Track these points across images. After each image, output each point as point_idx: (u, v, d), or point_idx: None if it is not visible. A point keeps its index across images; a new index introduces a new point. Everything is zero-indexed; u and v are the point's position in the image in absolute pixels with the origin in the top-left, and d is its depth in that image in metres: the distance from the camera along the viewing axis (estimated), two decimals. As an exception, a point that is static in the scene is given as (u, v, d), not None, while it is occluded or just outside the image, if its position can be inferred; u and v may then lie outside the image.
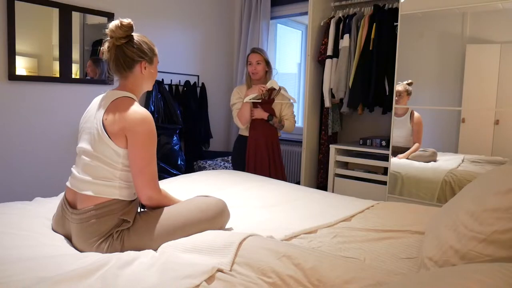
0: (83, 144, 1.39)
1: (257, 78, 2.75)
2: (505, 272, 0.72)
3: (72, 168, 1.44)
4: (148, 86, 1.54)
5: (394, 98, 2.67)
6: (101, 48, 1.44)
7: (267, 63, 2.77)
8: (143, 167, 1.35)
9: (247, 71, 2.80)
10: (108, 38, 1.41)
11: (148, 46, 1.47)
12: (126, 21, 1.39)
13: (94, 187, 1.32)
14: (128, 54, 1.42)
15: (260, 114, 2.74)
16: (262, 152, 2.77)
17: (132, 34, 1.43)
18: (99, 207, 1.31)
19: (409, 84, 2.62)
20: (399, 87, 2.64)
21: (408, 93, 2.64)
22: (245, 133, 2.82)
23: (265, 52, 2.80)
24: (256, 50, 2.75)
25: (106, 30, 1.41)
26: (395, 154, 2.72)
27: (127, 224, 1.33)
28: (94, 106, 1.44)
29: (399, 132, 2.71)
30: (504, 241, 0.93)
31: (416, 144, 2.65)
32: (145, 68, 1.46)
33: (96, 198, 1.32)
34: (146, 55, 1.46)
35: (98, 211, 1.30)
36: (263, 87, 2.66)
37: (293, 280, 1.04)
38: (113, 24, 1.38)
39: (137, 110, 1.35)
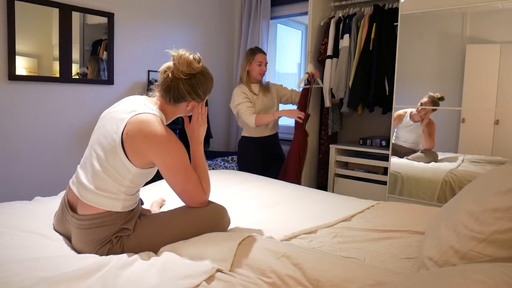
0: (98, 147, 1.32)
1: (260, 78, 2.77)
2: (505, 272, 0.72)
3: (78, 168, 1.38)
4: (184, 114, 1.49)
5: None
6: (160, 68, 1.38)
7: None
8: (183, 185, 1.34)
9: (247, 70, 2.75)
10: (172, 63, 1.35)
11: (205, 89, 1.40)
12: (197, 64, 1.34)
13: (97, 199, 1.28)
14: (181, 90, 1.35)
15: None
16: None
17: (195, 73, 1.35)
18: (100, 217, 1.28)
19: (440, 98, 2.54)
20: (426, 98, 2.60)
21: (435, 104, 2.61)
22: (252, 134, 2.80)
23: None
24: (263, 51, 2.77)
25: (174, 53, 1.34)
26: (400, 155, 2.72)
27: (127, 231, 1.31)
28: (123, 108, 1.36)
29: (409, 135, 2.71)
30: (504, 241, 0.93)
31: (431, 145, 2.64)
32: (192, 106, 1.42)
33: (97, 207, 1.29)
34: (199, 97, 1.40)
35: (99, 220, 1.28)
36: (302, 115, 2.67)
37: (293, 280, 1.04)
38: (184, 56, 1.32)
39: (161, 134, 1.27)
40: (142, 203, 1.67)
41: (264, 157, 2.84)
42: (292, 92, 2.92)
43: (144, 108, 1.33)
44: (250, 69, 2.74)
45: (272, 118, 2.67)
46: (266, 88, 2.81)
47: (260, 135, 2.80)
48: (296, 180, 2.74)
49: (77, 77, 2.92)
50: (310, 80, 2.81)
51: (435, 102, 2.56)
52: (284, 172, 2.80)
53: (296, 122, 2.76)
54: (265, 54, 2.76)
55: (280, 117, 2.73)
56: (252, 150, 2.83)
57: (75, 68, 2.90)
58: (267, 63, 2.77)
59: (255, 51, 2.74)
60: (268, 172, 2.69)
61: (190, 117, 1.50)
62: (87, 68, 2.99)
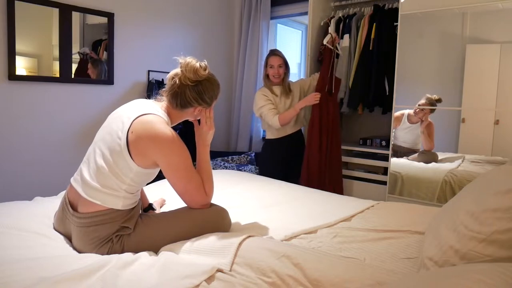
0: (102, 145, 1.34)
1: (277, 81, 2.76)
2: (505, 272, 0.72)
3: (81, 165, 1.38)
4: (190, 118, 1.51)
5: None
6: (168, 75, 1.41)
7: (286, 65, 2.77)
8: (185, 186, 1.36)
9: (265, 73, 2.78)
10: (179, 69, 1.38)
11: (211, 95, 1.42)
12: (203, 71, 1.37)
13: (99, 195, 1.29)
14: (187, 96, 1.38)
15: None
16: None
17: (201, 79, 1.38)
18: (101, 214, 1.29)
19: (437, 100, 2.56)
20: (423, 100, 2.60)
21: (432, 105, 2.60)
22: (276, 134, 2.80)
23: (283, 54, 2.78)
24: (277, 53, 2.75)
25: (181, 61, 1.37)
26: (400, 155, 2.72)
27: (128, 230, 1.32)
28: (130, 108, 1.39)
29: (408, 136, 2.71)
30: (504, 241, 0.93)
31: (430, 146, 2.64)
32: (199, 111, 1.44)
33: (98, 205, 1.29)
34: (205, 103, 1.42)
35: (100, 217, 1.28)
36: (317, 96, 2.64)
37: (293, 280, 1.04)
38: (191, 63, 1.36)
39: (165, 134, 1.30)
40: (153, 209, 1.67)
41: (288, 158, 2.84)
42: (313, 76, 2.91)
43: (150, 110, 1.36)
44: (267, 71, 2.77)
45: (293, 112, 2.67)
46: (287, 89, 2.79)
47: (283, 134, 2.80)
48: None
49: (79, 56, 2.90)
50: (333, 43, 2.76)
51: (432, 104, 2.56)
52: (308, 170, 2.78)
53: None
54: (278, 55, 2.73)
55: (301, 108, 2.70)
56: (276, 153, 2.83)
57: (75, 68, 2.89)
58: (281, 64, 2.72)
59: (268, 54, 2.78)
60: (290, 176, 2.70)
61: (199, 120, 1.52)
62: (88, 49, 2.97)
